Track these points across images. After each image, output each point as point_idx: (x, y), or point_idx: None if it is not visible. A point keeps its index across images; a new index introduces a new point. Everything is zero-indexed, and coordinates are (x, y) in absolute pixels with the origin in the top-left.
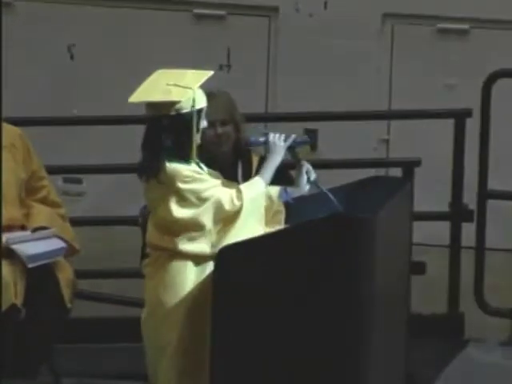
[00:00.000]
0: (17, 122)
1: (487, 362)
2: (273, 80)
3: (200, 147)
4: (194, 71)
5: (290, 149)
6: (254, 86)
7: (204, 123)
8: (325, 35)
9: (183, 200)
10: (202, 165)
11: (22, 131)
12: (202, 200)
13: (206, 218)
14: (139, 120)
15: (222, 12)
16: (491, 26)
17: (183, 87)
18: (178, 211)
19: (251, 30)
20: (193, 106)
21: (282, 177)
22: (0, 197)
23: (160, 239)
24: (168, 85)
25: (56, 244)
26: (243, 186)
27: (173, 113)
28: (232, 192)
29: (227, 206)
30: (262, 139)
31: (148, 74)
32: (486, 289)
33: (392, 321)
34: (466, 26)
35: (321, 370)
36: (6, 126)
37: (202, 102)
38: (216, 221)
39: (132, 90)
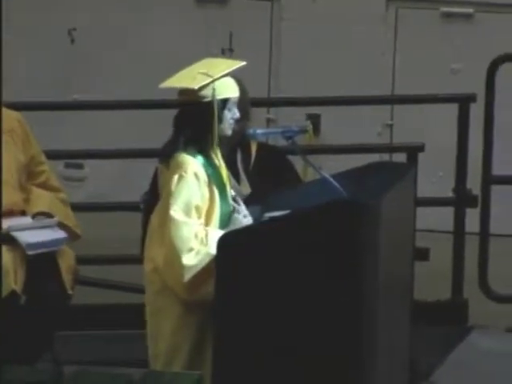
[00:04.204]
0: (17, 106)
1: (491, 349)
2: (275, 65)
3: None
4: (229, 60)
5: (289, 139)
6: (256, 71)
7: (234, 114)
8: (328, 19)
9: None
10: (219, 160)
11: (21, 116)
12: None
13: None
14: (140, 105)
15: None
16: (496, 10)
17: (206, 75)
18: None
19: (254, 13)
20: (214, 96)
21: (283, 164)
22: (0, 182)
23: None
24: (199, 72)
25: (58, 234)
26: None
27: (194, 100)
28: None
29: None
30: (259, 132)
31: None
32: (490, 275)
33: (396, 307)
34: (470, 10)
35: (325, 357)
36: (5, 111)
37: (228, 92)
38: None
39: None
